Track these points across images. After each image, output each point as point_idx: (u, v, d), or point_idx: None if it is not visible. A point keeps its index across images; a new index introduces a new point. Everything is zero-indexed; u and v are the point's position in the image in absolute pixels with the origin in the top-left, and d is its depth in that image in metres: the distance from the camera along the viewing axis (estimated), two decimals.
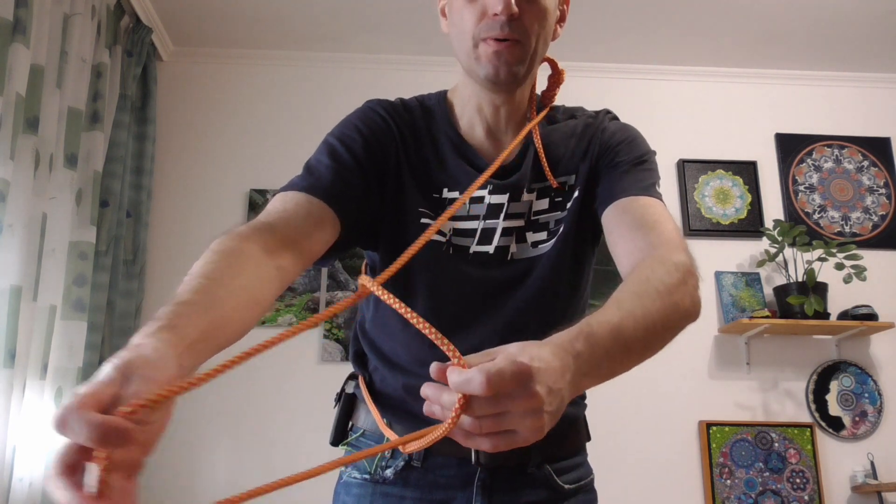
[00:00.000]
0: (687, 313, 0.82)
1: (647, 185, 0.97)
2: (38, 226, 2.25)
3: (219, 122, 3.23)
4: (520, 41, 0.94)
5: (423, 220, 0.98)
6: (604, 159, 1.02)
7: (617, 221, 0.94)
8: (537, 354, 0.59)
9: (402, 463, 0.97)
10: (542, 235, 1.00)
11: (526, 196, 1.01)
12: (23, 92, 2.12)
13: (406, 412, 0.98)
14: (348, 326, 2.92)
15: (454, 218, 0.99)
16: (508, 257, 1.00)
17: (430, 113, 1.06)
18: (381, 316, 1.03)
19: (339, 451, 1.06)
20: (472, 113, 1.03)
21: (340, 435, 1.06)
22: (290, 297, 2.98)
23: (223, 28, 3.16)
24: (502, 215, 1.00)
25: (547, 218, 1.01)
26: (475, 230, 1.00)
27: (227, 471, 2.81)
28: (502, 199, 1.00)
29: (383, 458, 0.99)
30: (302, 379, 2.90)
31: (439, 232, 0.98)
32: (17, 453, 2.13)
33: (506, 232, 1.00)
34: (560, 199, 1.02)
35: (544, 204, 1.01)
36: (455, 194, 1.00)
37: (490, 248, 0.99)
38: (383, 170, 0.99)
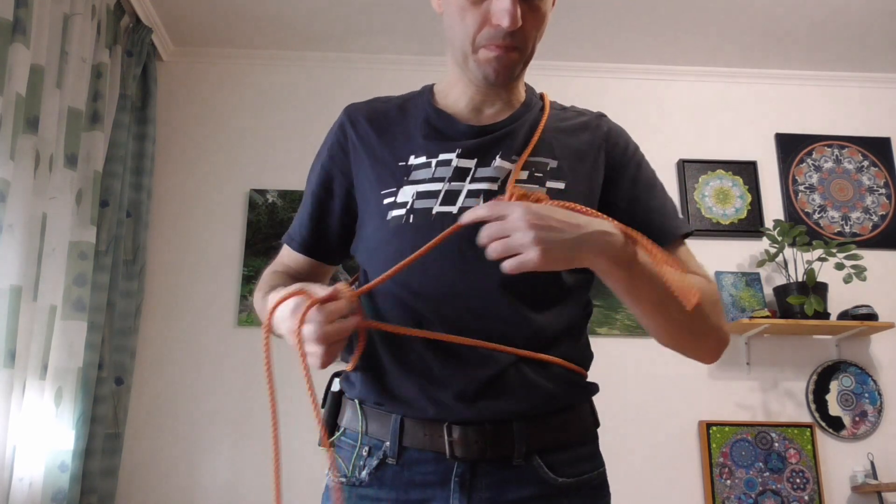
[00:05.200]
0: (719, 327, 0.96)
1: (680, 224, 1.03)
2: (38, 226, 2.25)
3: (219, 122, 3.23)
4: (518, 48, 0.97)
5: (386, 201, 0.99)
6: (619, 166, 1.05)
7: None
8: (541, 205, 0.84)
9: (377, 462, 0.94)
10: None
11: (499, 162, 0.99)
12: (23, 92, 2.12)
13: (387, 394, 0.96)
14: None
15: (417, 182, 0.99)
16: None
17: (410, 99, 1.10)
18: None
19: (319, 455, 1.03)
20: (457, 95, 1.06)
21: (328, 435, 1.03)
22: None
23: (223, 28, 3.16)
24: (468, 178, 0.98)
25: (524, 188, 0.99)
26: (439, 192, 0.98)
27: (227, 471, 2.81)
28: (470, 163, 0.99)
29: (360, 457, 0.95)
30: (302, 379, 2.89)
31: (399, 205, 0.98)
32: (17, 453, 2.13)
33: (472, 194, 0.97)
34: (540, 174, 1.00)
35: (523, 175, 0.99)
36: (422, 159, 1.01)
37: (454, 209, 0.96)
38: (350, 189, 1.07)
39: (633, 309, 0.93)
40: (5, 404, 2.03)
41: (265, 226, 3.07)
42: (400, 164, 1.01)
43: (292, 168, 3.14)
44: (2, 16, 2.06)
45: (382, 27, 3.14)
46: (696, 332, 0.95)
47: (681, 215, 1.06)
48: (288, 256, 1.14)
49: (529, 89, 1.11)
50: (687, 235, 1.03)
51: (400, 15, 3.05)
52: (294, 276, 1.10)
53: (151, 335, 2.94)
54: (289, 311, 0.87)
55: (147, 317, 2.94)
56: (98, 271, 2.57)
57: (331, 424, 1.03)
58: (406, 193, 0.98)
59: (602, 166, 1.04)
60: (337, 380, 1.06)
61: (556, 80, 3.22)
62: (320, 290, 0.86)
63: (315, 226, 1.10)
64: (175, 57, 3.30)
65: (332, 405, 1.04)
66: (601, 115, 1.11)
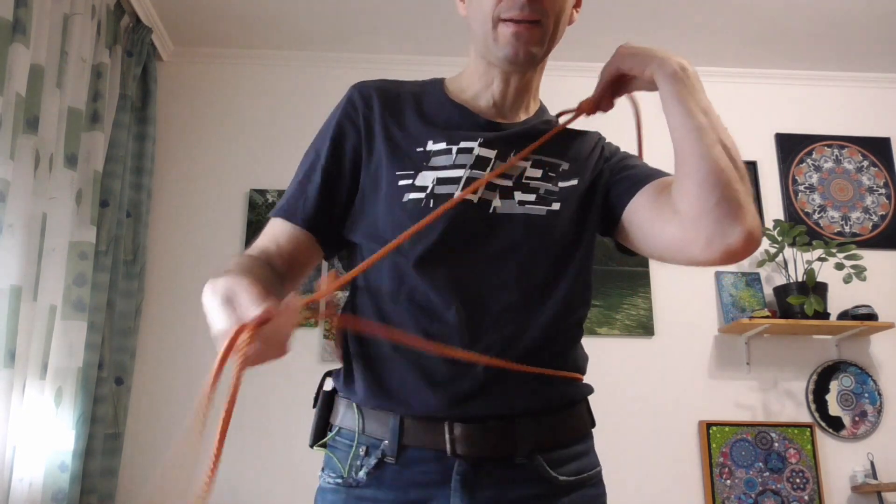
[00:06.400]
0: (752, 205, 0.90)
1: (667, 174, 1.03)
2: (38, 226, 2.25)
3: (219, 122, 3.23)
4: (539, 21, 0.96)
5: (402, 183, 0.98)
6: (616, 165, 1.08)
7: (659, 193, 0.98)
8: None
9: (375, 461, 0.91)
10: (531, 197, 0.99)
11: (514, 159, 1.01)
12: (23, 92, 2.12)
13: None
14: None
15: (437, 168, 0.99)
16: (491, 210, 0.97)
17: (422, 87, 1.10)
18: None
19: (321, 455, 1.00)
20: (479, 89, 1.05)
21: (319, 436, 0.99)
22: None
23: (223, 28, 3.16)
24: (489, 169, 0.99)
25: (538, 185, 1.00)
26: (460, 178, 0.97)
27: (227, 470, 2.81)
28: (490, 153, 1.00)
29: (357, 457, 0.93)
30: (302, 379, 2.87)
31: (418, 188, 0.97)
32: (17, 453, 2.13)
33: (490, 186, 0.98)
34: (553, 174, 1.02)
35: (537, 173, 1.01)
36: (441, 146, 1.00)
37: (473, 198, 0.97)
38: (357, 164, 1.03)
39: (682, 132, 0.92)
40: (5, 404, 2.03)
41: (265, 226, 3.07)
42: (418, 149, 1.00)
43: (292, 168, 3.11)
44: (2, 16, 2.06)
45: (381, 27, 3.14)
46: (737, 184, 0.88)
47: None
48: (280, 233, 1.03)
49: (542, 104, 1.13)
50: None
51: (398, 15, 3.05)
52: (277, 258, 1.00)
53: (151, 335, 2.94)
54: (218, 329, 0.77)
55: (147, 317, 2.94)
56: (98, 271, 2.57)
57: (323, 424, 1.00)
58: (425, 178, 0.97)
59: (601, 167, 1.08)
60: (329, 378, 1.04)
61: (555, 79, 3.22)
62: (250, 306, 0.75)
63: (322, 198, 1.03)
64: (175, 57, 3.30)
65: (325, 404, 1.01)
66: (599, 134, 1.15)
